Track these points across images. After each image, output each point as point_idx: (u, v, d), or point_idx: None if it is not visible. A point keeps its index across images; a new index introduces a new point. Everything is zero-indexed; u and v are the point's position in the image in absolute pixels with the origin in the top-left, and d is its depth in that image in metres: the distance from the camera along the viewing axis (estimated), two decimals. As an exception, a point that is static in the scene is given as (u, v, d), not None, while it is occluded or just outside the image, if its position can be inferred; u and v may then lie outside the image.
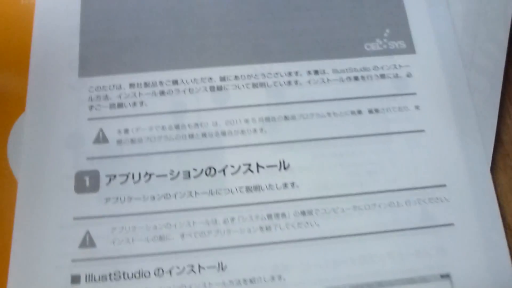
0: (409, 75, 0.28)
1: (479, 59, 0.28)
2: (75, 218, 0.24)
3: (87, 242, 0.24)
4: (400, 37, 0.28)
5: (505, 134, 0.27)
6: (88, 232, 0.24)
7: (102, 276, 0.23)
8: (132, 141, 0.26)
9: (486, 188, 0.26)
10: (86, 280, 0.23)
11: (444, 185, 0.26)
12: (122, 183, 0.25)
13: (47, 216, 0.24)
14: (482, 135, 0.27)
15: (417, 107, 0.27)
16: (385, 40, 0.28)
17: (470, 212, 0.25)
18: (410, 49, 0.28)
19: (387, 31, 0.28)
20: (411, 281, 0.24)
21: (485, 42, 0.28)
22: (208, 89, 0.27)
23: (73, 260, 0.23)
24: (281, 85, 0.27)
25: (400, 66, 0.28)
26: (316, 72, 0.27)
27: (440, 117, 0.27)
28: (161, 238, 0.24)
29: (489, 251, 0.25)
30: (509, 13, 0.28)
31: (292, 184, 0.25)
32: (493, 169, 0.26)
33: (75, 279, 0.23)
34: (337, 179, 0.25)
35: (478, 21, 0.28)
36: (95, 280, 0.23)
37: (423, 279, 0.24)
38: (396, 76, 0.27)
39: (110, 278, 0.23)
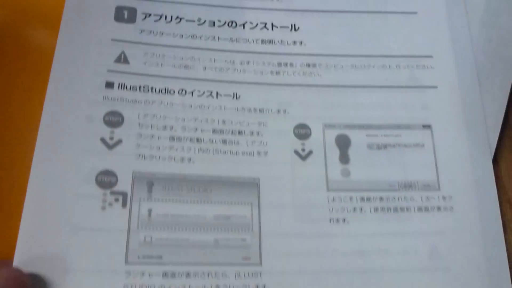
0: None
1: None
2: (113, 40, 0.26)
3: (122, 59, 0.26)
4: None
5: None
6: (123, 52, 0.26)
7: (132, 87, 0.25)
8: None
9: (468, 58, 0.28)
10: (118, 87, 0.25)
11: (431, 56, 0.28)
12: (156, 21, 0.27)
13: (89, 33, 0.26)
14: (469, 20, 0.29)
15: None
16: None
17: (451, 78, 0.28)
18: None
19: None
20: (397, 127, 0.27)
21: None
22: None
23: (109, 70, 0.26)
24: None
25: None
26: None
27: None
28: (186, 67, 0.26)
29: (466, 109, 0.27)
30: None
31: (301, 42, 0.28)
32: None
33: (109, 85, 0.25)
34: (339, 43, 0.28)
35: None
36: (126, 88, 0.25)
37: (408, 127, 0.27)
38: None
39: (139, 90, 0.25)
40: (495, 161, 0.27)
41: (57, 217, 0.22)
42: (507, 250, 0.25)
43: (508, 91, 0.27)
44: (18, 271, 0.21)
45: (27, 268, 0.21)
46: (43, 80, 0.25)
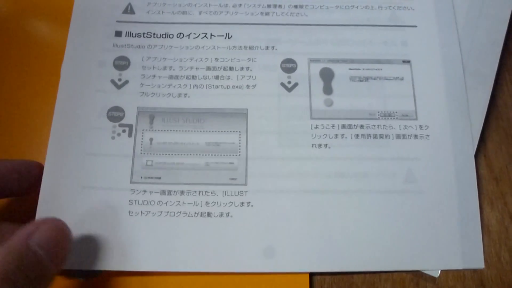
0: None
1: None
2: None
3: (128, 10, 0.29)
4: None
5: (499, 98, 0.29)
6: (130, 3, 0.29)
7: (137, 34, 0.29)
8: None
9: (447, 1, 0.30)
10: (125, 35, 0.29)
11: None
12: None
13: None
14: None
15: None
16: None
17: (431, 19, 0.29)
18: None
19: None
20: (378, 61, 0.28)
21: None
22: None
23: (118, 21, 0.29)
24: None
25: None
26: None
27: None
28: (184, 12, 0.29)
29: (444, 47, 0.29)
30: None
31: (289, -16, 0.30)
32: None
33: (118, 33, 0.29)
34: None
35: None
36: (132, 36, 0.29)
37: (389, 62, 0.28)
38: None
39: (143, 36, 0.29)
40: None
41: (76, 145, 0.26)
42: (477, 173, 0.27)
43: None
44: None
45: (51, 185, 0.25)
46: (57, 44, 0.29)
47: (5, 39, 0.30)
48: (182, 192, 0.26)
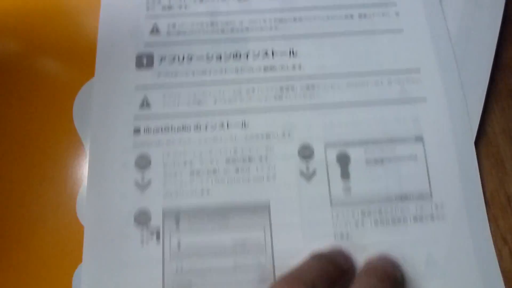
0: None
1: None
2: (136, 87, 0.30)
3: (145, 104, 0.29)
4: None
5: (488, 126, 0.31)
6: (145, 97, 0.29)
7: (155, 129, 0.29)
8: (178, 33, 0.31)
9: (453, 70, 0.30)
10: (144, 132, 0.29)
11: (418, 69, 0.30)
12: (170, 63, 0.30)
13: (116, 84, 0.30)
14: (450, 33, 0.31)
15: (397, 14, 0.32)
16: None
17: (439, 90, 0.30)
18: None
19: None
20: (391, 140, 0.29)
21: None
22: None
23: (135, 117, 0.29)
24: None
25: None
26: (320, -16, 0.32)
27: (414, 19, 0.31)
28: (199, 102, 0.29)
29: (454, 119, 0.29)
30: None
31: (299, 65, 0.30)
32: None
33: (137, 131, 0.29)
34: (334, 63, 0.30)
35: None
36: (150, 132, 0.29)
37: (402, 140, 0.29)
38: None
39: (161, 131, 0.29)
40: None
41: (107, 256, 0.27)
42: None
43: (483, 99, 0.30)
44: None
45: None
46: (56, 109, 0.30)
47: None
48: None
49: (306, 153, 0.29)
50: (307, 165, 0.28)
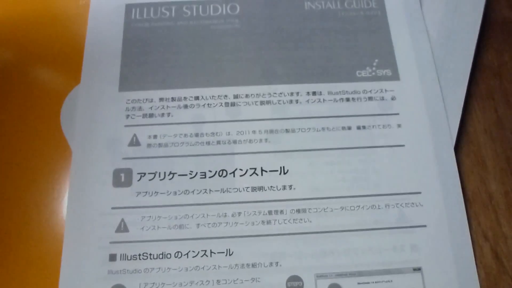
0: (393, 98, 0.30)
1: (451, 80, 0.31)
2: (113, 208, 0.27)
3: (122, 227, 0.27)
4: (387, 66, 0.31)
5: (470, 125, 0.31)
6: (123, 220, 0.27)
7: (133, 256, 0.26)
8: (160, 145, 0.28)
9: (456, 196, 0.28)
10: (120, 259, 0.26)
11: (419, 192, 0.28)
12: (150, 180, 0.28)
13: (92, 205, 0.27)
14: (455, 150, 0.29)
15: (399, 125, 0.29)
16: (374, 68, 0.31)
17: (440, 216, 0.27)
18: (395, 76, 0.30)
19: (376, 60, 0.31)
20: (388, 272, 0.26)
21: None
22: (223, 104, 0.30)
23: (111, 242, 0.26)
24: (284, 103, 0.30)
25: (386, 90, 0.30)
26: (314, 93, 0.30)
27: (418, 134, 0.29)
28: (180, 226, 0.27)
29: (455, 249, 0.27)
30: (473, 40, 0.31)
31: (290, 186, 0.28)
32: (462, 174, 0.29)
33: (112, 257, 0.26)
34: (328, 184, 0.28)
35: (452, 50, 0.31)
36: (127, 259, 0.26)
37: (398, 271, 0.26)
38: (382, 98, 0.30)
39: (139, 258, 0.26)
40: None
41: None
42: None
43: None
44: None
45: None
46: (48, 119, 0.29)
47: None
48: None
49: (295, 285, 0.26)
50: (296, 299, 0.26)
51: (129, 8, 0.32)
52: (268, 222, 0.27)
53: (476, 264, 0.27)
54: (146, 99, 0.30)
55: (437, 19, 0.32)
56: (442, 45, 0.31)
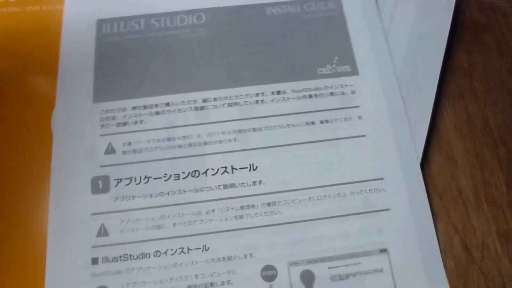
0: (353, 92, 0.31)
1: (414, 77, 0.32)
2: (93, 214, 0.28)
3: (102, 232, 0.28)
4: (347, 63, 0.32)
5: (441, 123, 0.32)
6: (102, 224, 0.28)
7: (114, 258, 0.27)
8: (134, 151, 0.30)
9: (416, 179, 0.29)
10: (102, 261, 0.27)
11: (381, 178, 0.29)
12: (127, 185, 0.29)
13: (72, 212, 0.28)
14: (414, 137, 0.30)
15: (360, 117, 0.31)
16: (334, 65, 0.32)
17: (402, 199, 0.29)
18: (354, 71, 0.32)
19: (336, 58, 0.32)
20: (356, 255, 0.28)
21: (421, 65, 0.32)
22: (193, 109, 0.31)
23: (93, 246, 0.28)
24: (250, 103, 0.31)
25: (346, 85, 0.31)
26: (278, 92, 0.31)
27: (378, 124, 0.30)
28: (158, 227, 0.28)
29: (418, 230, 0.28)
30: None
31: (260, 181, 0.29)
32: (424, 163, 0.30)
33: (95, 261, 0.27)
34: (295, 177, 0.29)
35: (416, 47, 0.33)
36: (109, 261, 0.27)
37: (366, 253, 0.28)
38: (343, 93, 0.31)
39: (120, 259, 0.27)
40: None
41: None
42: None
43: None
44: None
45: None
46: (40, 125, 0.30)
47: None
48: None
49: (269, 274, 0.27)
50: (271, 286, 0.27)
51: (100, 23, 0.33)
52: (241, 217, 0.28)
53: (445, 254, 0.28)
54: (120, 109, 0.31)
55: (409, 22, 0.33)
56: (413, 48, 0.33)
